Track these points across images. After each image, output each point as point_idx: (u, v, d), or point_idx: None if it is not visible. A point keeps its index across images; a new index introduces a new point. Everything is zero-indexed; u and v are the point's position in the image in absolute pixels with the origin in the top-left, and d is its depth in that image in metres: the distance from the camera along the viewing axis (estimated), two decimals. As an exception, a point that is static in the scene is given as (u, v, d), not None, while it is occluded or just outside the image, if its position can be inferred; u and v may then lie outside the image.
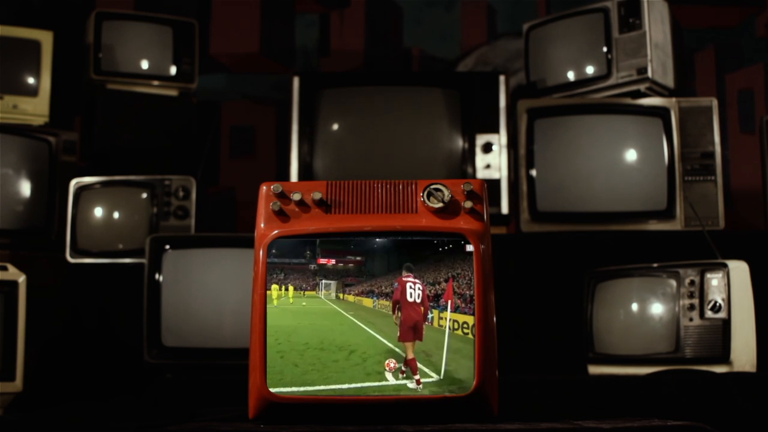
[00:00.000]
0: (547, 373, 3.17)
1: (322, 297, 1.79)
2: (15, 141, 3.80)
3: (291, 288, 1.78)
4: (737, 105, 5.00)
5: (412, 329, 1.76)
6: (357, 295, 1.79)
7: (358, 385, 1.73)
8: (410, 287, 1.77)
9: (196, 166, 4.00)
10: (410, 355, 1.75)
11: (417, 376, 1.74)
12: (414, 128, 3.83)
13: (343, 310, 1.78)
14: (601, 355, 3.16)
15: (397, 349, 1.75)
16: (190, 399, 2.98)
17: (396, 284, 1.78)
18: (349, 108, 3.88)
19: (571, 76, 3.84)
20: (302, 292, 1.79)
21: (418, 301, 1.77)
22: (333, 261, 1.79)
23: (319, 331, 1.77)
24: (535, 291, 3.50)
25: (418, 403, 1.72)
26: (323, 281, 1.79)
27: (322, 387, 1.72)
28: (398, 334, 1.76)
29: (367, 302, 1.78)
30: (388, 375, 1.74)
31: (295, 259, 1.79)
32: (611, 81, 3.70)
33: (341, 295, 1.79)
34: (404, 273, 1.78)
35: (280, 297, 1.77)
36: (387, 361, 1.74)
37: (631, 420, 1.79)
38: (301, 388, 1.72)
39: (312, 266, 1.79)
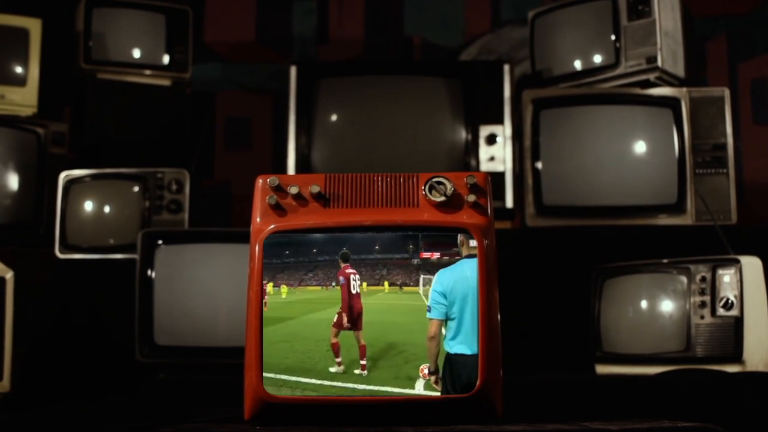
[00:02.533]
0: (553, 372, 3.17)
1: (421, 293, 1.77)
2: (2, 132, 3.80)
3: (284, 287, 1.78)
4: (750, 95, 4.99)
5: (358, 319, 1.76)
6: None
7: (376, 387, 1.73)
8: (353, 279, 1.78)
9: (189, 159, 4.00)
10: (362, 342, 1.75)
11: (363, 361, 1.74)
12: (415, 119, 3.83)
13: None
14: (608, 354, 3.16)
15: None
16: (184, 399, 2.98)
17: (342, 279, 1.77)
18: (349, 98, 3.88)
19: (578, 65, 3.84)
20: (399, 288, 1.77)
21: (359, 291, 1.77)
22: (437, 254, 1.78)
23: (384, 327, 1.76)
24: (540, 288, 3.50)
25: (420, 403, 1.72)
26: (423, 276, 1.78)
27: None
28: (348, 326, 1.76)
29: None
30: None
31: (397, 254, 1.78)
32: (620, 70, 3.70)
33: None
34: (343, 263, 1.78)
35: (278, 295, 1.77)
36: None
37: (640, 421, 1.78)
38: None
39: (415, 261, 1.78)
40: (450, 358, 1.73)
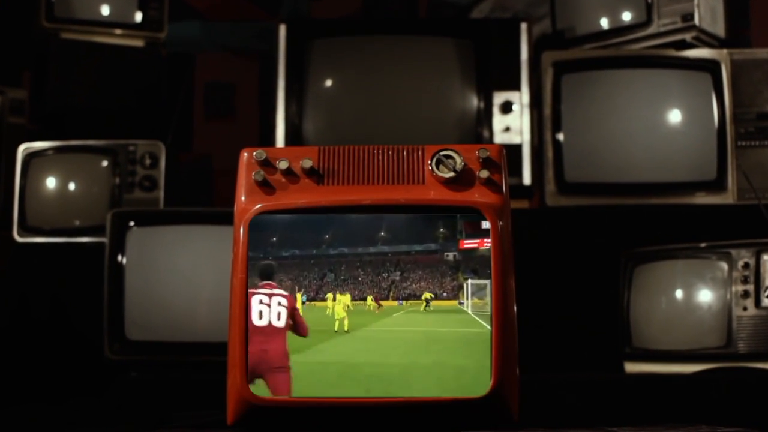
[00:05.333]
0: (576, 371, 3.18)
1: (468, 310, 1.70)
2: (-47, 100, 3.80)
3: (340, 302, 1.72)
4: (799, 57, 4.98)
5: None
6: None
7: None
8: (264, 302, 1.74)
9: (165, 130, 3.99)
10: None
11: None
12: (421, 85, 3.82)
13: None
14: (639, 351, 3.17)
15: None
16: (159, 401, 2.98)
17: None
18: (345, 61, 3.87)
19: (604, 23, 3.83)
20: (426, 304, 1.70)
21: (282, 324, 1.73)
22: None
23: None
24: (562, 275, 3.50)
25: (426, 406, 1.71)
26: (471, 280, 1.70)
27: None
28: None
29: None
30: None
31: (417, 245, 1.70)
32: (652, 29, 3.69)
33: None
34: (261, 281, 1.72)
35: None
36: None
37: (674, 426, 1.78)
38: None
39: (450, 255, 1.73)
40: None
